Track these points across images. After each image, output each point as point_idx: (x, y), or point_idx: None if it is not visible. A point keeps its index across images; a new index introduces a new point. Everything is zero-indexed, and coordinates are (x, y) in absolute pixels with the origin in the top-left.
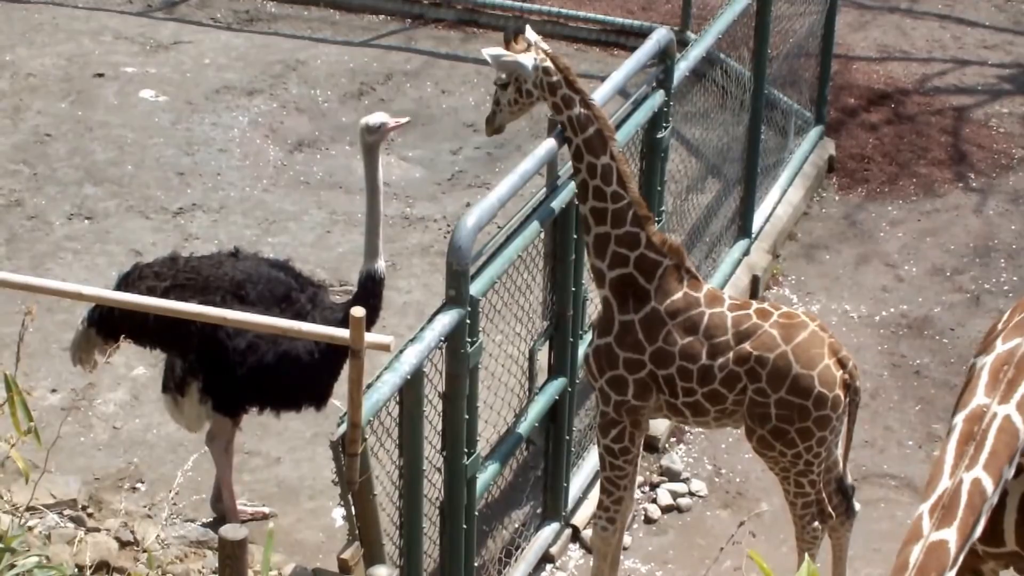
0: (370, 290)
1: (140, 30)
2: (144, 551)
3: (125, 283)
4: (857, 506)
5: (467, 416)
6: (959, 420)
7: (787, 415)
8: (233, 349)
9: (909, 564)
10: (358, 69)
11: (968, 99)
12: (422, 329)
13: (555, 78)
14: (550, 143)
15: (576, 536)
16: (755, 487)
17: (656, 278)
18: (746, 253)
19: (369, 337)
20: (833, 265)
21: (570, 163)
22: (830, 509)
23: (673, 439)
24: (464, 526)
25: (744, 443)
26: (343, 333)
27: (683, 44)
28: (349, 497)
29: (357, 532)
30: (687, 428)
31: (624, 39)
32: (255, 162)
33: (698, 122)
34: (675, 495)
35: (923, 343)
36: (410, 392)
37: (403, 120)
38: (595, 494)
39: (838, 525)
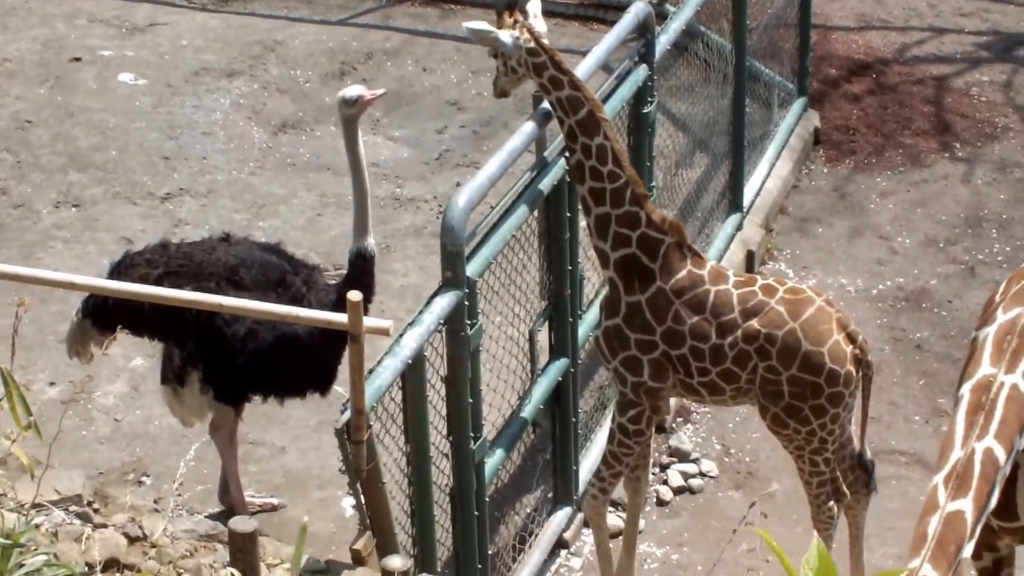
0: (361, 268)
1: (115, 12)
2: (153, 546)
3: (116, 272)
4: (874, 482)
5: (471, 400)
6: (966, 391)
7: (800, 392)
8: (232, 336)
9: (928, 536)
10: (337, 48)
11: (948, 68)
12: (420, 312)
13: (541, 59)
14: (536, 120)
15: (588, 522)
16: (765, 467)
17: (659, 256)
18: (739, 228)
19: (368, 321)
20: (827, 238)
21: (559, 139)
22: (845, 488)
23: (680, 419)
24: (476, 512)
25: (752, 422)
26: (341, 318)
27: (662, 17)
28: (358, 486)
29: (368, 522)
30: (693, 407)
31: (603, 13)
32: (240, 145)
33: (682, 96)
34: (686, 476)
35: (922, 316)
36: (412, 377)
37: (379, 92)
38: None
39: (854, 503)
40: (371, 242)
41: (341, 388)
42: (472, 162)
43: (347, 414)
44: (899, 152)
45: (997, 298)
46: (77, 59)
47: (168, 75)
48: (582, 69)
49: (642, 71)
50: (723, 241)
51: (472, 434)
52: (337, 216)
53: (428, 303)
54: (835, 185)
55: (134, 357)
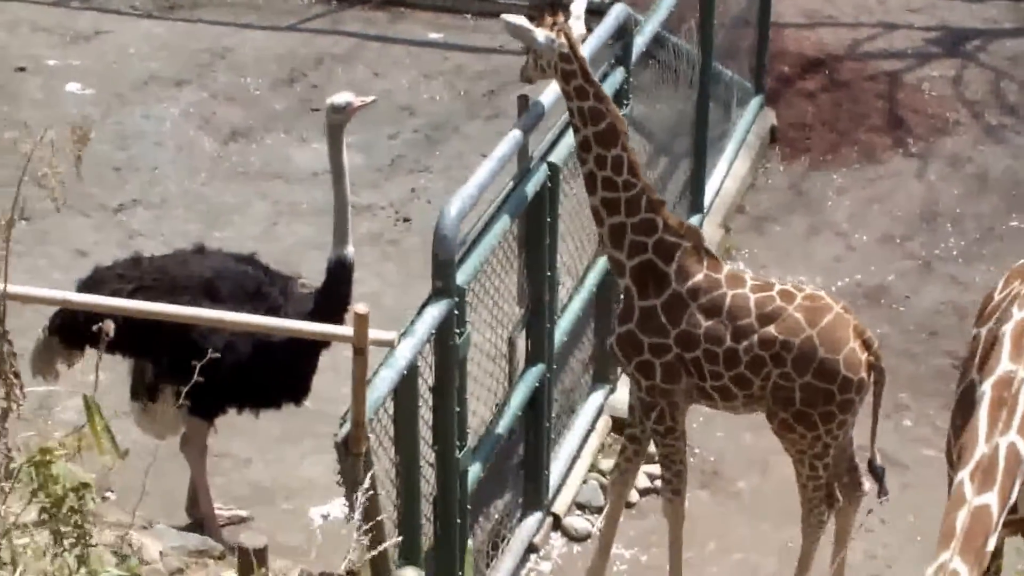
0: (340, 277)
1: (57, 20)
2: (146, 563)
3: (85, 288)
4: (867, 486)
5: (458, 409)
6: (987, 387)
7: (811, 399)
8: (210, 350)
9: (956, 530)
10: (286, 55)
11: (899, 63)
12: (412, 322)
13: (572, 67)
14: (522, 127)
15: (557, 524)
16: (731, 466)
17: (675, 260)
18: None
19: (373, 334)
20: (784, 237)
21: (541, 146)
22: (838, 493)
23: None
24: (458, 520)
25: (714, 421)
26: (346, 331)
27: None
28: (354, 498)
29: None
30: None
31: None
32: (190, 154)
33: (646, 99)
34: (651, 477)
35: (880, 312)
36: (405, 387)
37: (369, 100)
38: (574, 481)
39: (845, 505)
40: (351, 250)
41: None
42: (424, 167)
43: (346, 427)
44: (854, 149)
45: (998, 296)
46: (22, 69)
47: (116, 84)
48: None
49: (619, 74)
50: None
51: (458, 443)
52: (292, 224)
53: (420, 313)
54: (791, 183)
55: (92, 372)
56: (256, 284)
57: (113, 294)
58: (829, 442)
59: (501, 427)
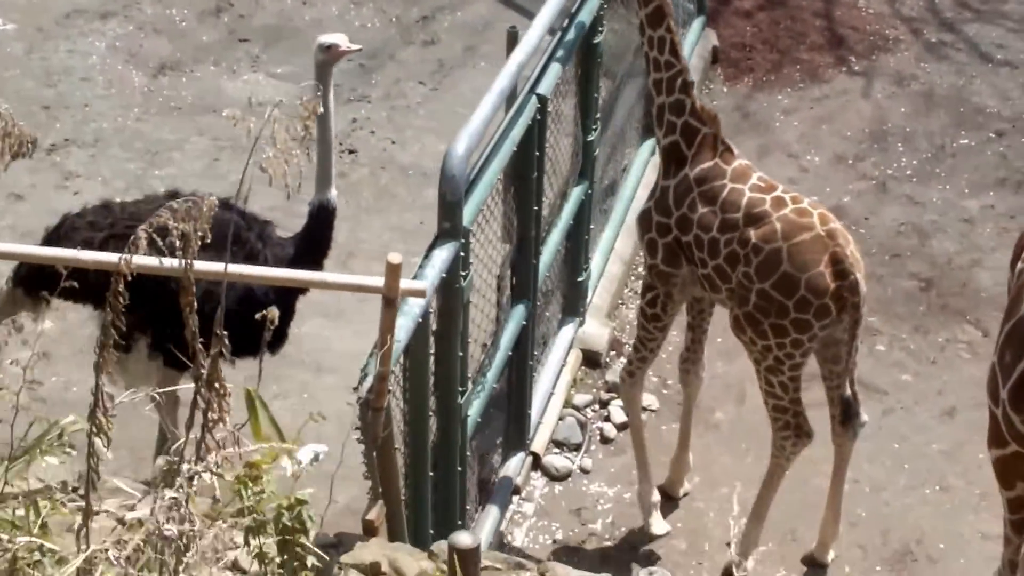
0: (324, 221)
1: None
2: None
3: (55, 238)
4: (865, 417)
5: (460, 354)
6: None
7: (765, 306)
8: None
9: None
10: None
11: None
12: (421, 266)
13: None
14: (519, 56)
15: (537, 464)
16: (705, 396)
17: (695, 145)
18: (653, 152)
19: (404, 284)
20: None
21: (531, 79)
22: (808, 427)
23: (613, 352)
24: (459, 468)
25: None
26: (376, 282)
27: None
28: (373, 454)
29: (380, 491)
30: (624, 340)
31: None
32: (121, 89)
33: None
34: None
35: None
36: (418, 334)
37: (355, 47)
38: (550, 418)
39: (837, 445)
40: (334, 194)
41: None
42: (362, 96)
43: (369, 380)
44: (796, 68)
45: None
46: None
47: (38, 18)
48: (551, 2)
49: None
50: (640, 167)
51: (460, 388)
52: (235, 161)
53: (427, 256)
54: (737, 104)
55: (42, 321)
56: (234, 229)
57: (85, 243)
58: (782, 358)
59: (494, 369)
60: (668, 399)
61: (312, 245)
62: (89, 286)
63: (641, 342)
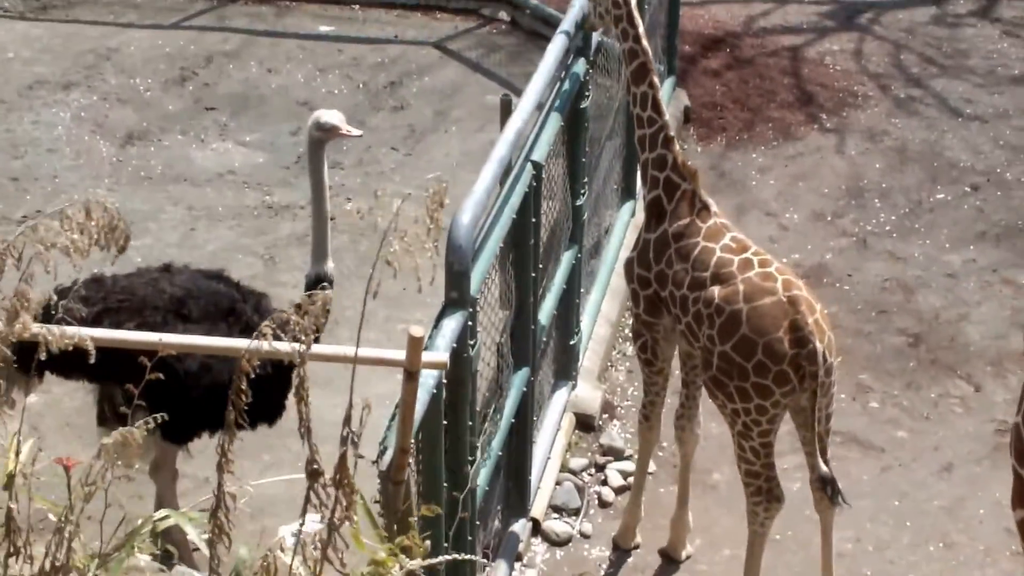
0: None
1: None
2: None
3: (45, 313)
4: (840, 499)
5: (470, 423)
6: None
7: (727, 369)
8: (186, 372)
9: None
10: (175, 53)
11: (797, 39)
12: (431, 337)
13: (620, 11)
14: (516, 123)
15: (537, 529)
16: (701, 458)
17: (674, 200)
18: (633, 214)
19: (426, 356)
20: None
21: (527, 147)
22: (779, 491)
23: (606, 415)
24: (469, 537)
25: None
26: (397, 355)
27: (511, 3)
28: (394, 527)
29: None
30: (616, 403)
31: (445, 1)
32: (89, 160)
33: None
34: (624, 474)
35: (825, 292)
36: (432, 406)
37: (355, 132)
38: (547, 483)
39: (816, 504)
40: (331, 266)
41: None
42: (335, 163)
43: (389, 454)
44: (768, 126)
45: None
46: None
47: (0, 90)
48: (543, 69)
49: (581, 64)
50: (621, 229)
51: (469, 459)
52: (211, 230)
53: (436, 326)
54: (712, 163)
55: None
56: (229, 302)
57: (77, 318)
58: (749, 423)
59: (499, 437)
60: (664, 461)
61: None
62: (86, 360)
63: (646, 386)
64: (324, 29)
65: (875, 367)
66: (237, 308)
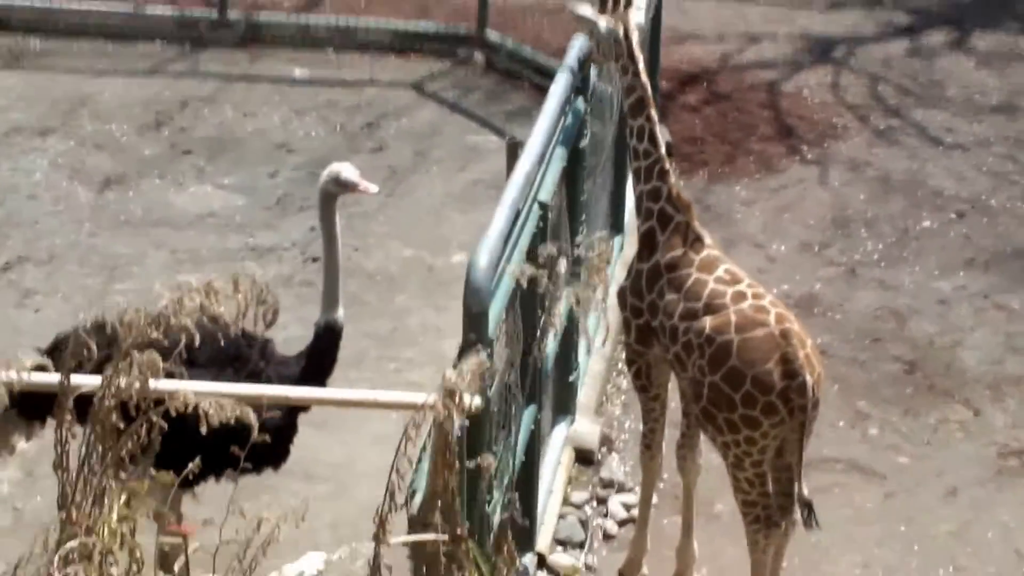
0: (329, 341)
1: None
2: None
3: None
4: (796, 515)
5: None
6: None
7: (716, 400)
8: (191, 418)
9: None
10: (150, 99)
11: (774, 73)
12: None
13: (621, 47)
14: (525, 166)
15: (543, 564)
16: (704, 488)
17: (667, 232)
18: (621, 249)
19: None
20: None
21: (535, 188)
22: (777, 517)
23: (604, 448)
24: None
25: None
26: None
27: (487, 45)
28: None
29: None
30: (614, 437)
31: (419, 44)
32: (68, 205)
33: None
34: (627, 507)
35: (817, 322)
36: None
37: (373, 188)
38: (550, 517)
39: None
40: (341, 314)
41: None
42: (315, 204)
43: (419, 498)
44: (750, 159)
45: None
46: None
47: None
48: (549, 109)
49: (580, 103)
50: (611, 264)
51: (487, 498)
52: (197, 272)
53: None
54: (696, 197)
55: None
56: (235, 347)
57: (79, 365)
58: (741, 455)
59: (511, 475)
60: (665, 492)
61: (318, 364)
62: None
63: (644, 414)
64: (299, 73)
65: (872, 394)
66: (242, 353)
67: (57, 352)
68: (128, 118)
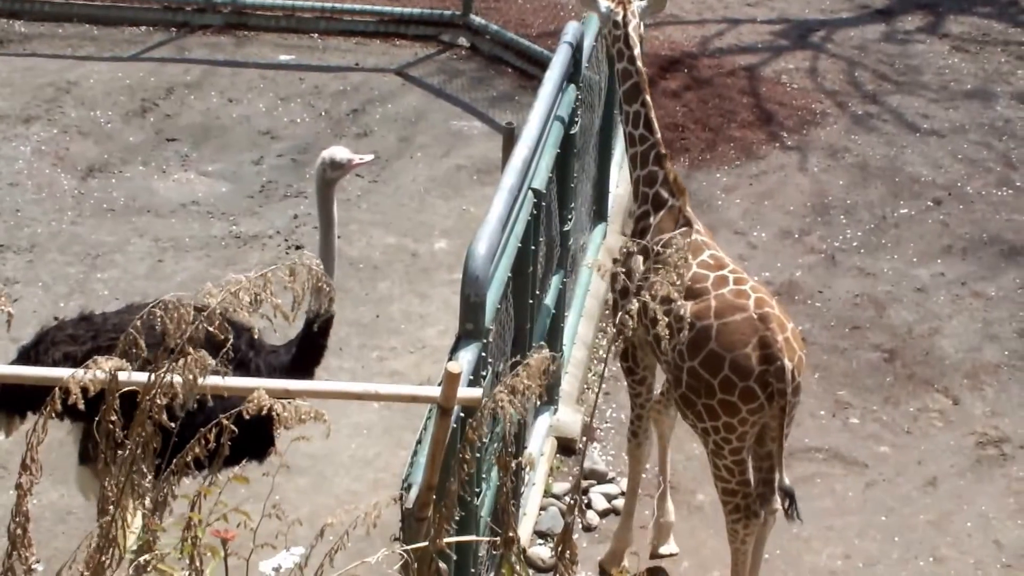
0: (321, 330)
1: None
2: None
3: (34, 353)
4: (776, 504)
5: (477, 455)
6: None
7: (694, 386)
8: (183, 410)
9: None
10: (135, 85)
11: (753, 58)
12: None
13: (619, 32)
14: (522, 152)
15: (522, 556)
16: (685, 478)
17: (660, 215)
18: (604, 236)
19: (461, 392)
20: None
21: (531, 172)
22: (757, 507)
23: (585, 438)
24: (472, 570)
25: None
26: (432, 392)
27: (471, 29)
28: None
29: None
30: (596, 426)
31: (404, 28)
32: (51, 193)
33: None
34: (609, 497)
35: (798, 309)
36: (452, 441)
37: (367, 158)
38: (531, 509)
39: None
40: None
41: None
42: (299, 191)
43: (414, 491)
44: (731, 146)
45: None
46: None
47: None
48: (544, 96)
49: (572, 91)
50: (592, 253)
51: (476, 490)
52: (180, 260)
53: (452, 358)
54: None
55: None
56: (222, 338)
57: (65, 357)
58: (720, 442)
59: (497, 467)
60: (647, 483)
61: (309, 353)
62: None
63: (631, 399)
64: (284, 58)
65: (853, 383)
66: (231, 343)
67: (42, 345)
68: (113, 104)
